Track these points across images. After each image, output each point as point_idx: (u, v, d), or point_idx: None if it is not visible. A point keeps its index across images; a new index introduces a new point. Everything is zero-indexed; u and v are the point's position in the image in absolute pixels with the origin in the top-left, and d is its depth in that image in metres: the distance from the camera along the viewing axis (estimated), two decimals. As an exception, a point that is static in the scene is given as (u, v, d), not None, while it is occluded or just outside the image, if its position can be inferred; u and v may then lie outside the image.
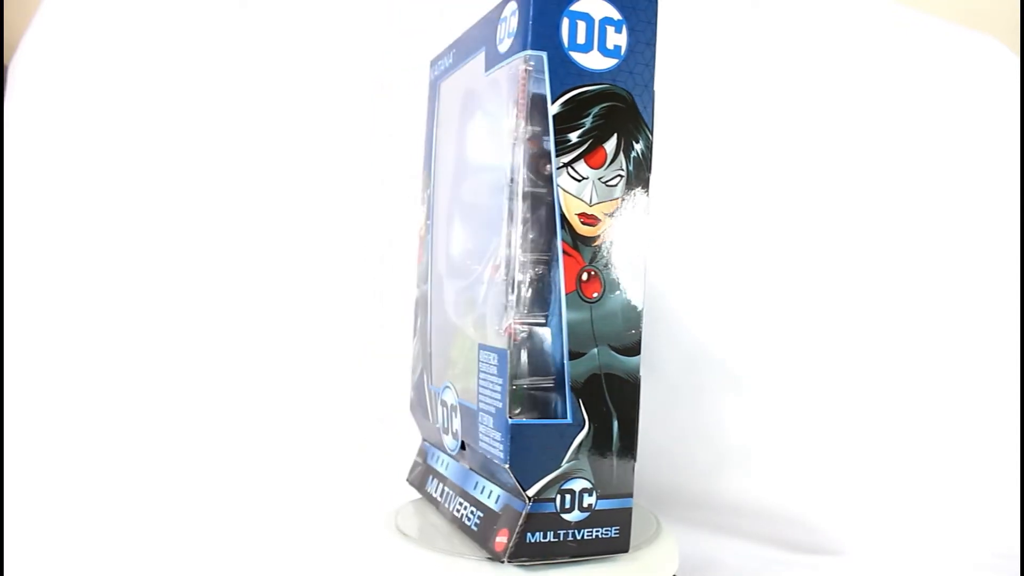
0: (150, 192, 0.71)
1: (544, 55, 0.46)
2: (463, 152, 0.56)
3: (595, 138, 0.47)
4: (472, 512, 0.51)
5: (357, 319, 0.72)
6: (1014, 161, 0.72)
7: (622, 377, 0.48)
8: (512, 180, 0.47)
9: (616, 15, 0.47)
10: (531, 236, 0.46)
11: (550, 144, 0.46)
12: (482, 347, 0.49)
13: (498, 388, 0.47)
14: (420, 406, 0.61)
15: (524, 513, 0.46)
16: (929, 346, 0.70)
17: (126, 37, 0.70)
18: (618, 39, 0.47)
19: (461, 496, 0.53)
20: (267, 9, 0.72)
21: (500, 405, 0.47)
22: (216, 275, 0.73)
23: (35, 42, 0.69)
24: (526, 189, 0.46)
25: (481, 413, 0.49)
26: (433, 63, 0.63)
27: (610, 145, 0.47)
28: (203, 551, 0.62)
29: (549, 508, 0.46)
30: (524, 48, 0.46)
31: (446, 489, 0.56)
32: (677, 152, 0.69)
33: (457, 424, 0.53)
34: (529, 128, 0.46)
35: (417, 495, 0.62)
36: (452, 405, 0.54)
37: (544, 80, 0.46)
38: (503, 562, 0.46)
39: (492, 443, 0.48)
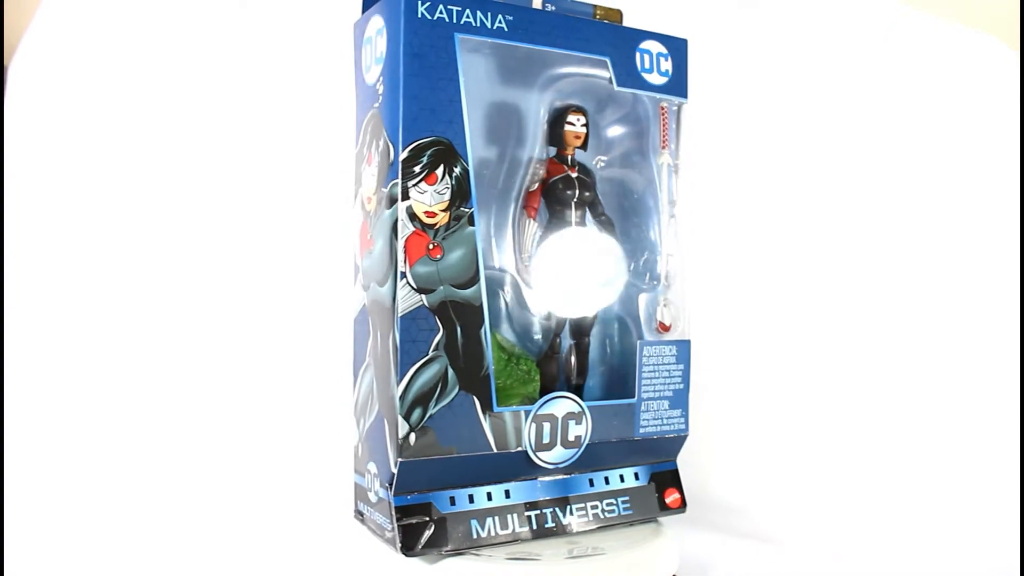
0: (150, 192, 0.69)
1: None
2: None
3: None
4: (611, 504, 0.54)
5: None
6: (1014, 161, 0.73)
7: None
8: (672, 201, 0.57)
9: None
10: (680, 247, 0.58)
11: (679, 174, 0.58)
12: (649, 343, 0.55)
13: (678, 374, 0.56)
14: (450, 443, 0.48)
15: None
16: (928, 345, 0.72)
17: (126, 37, 0.69)
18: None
19: (579, 503, 0.53)
20: (267, 9, 0.70)
21: (681, 387, 0.56)
22: (216, 274, 0.69)
23: (35, 42, 0.69)
24: (681, 207, 0.57)
25: (646, 403, 0.55)
26: (432, 4, 0.48)
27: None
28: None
29: (670, 460, 0.59)
30: (684, 96, 0.57)
31: (533, 516, 0.51)
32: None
33: (582, 429, 0.52)
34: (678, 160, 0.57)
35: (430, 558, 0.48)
36: (572, 412, 0.52)
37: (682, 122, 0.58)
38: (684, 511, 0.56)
39: (666, 422, 0.55)
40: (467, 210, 0.49)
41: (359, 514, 0.53)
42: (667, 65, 0.56)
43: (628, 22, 0.57)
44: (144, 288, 0.68)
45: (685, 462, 0.57)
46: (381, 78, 0.49)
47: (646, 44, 0.55)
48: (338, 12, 0.58)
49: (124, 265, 0.68)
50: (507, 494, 0.51)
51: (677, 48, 0.56)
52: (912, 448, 0.70)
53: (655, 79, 0.56)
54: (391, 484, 0.48)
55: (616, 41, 0.54)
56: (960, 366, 0.72)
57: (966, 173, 0.74)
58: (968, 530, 0.65)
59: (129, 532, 0.61)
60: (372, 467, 0.51)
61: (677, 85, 0.56)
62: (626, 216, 0.57)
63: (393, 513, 0.48)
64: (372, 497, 0.51)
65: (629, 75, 0.55)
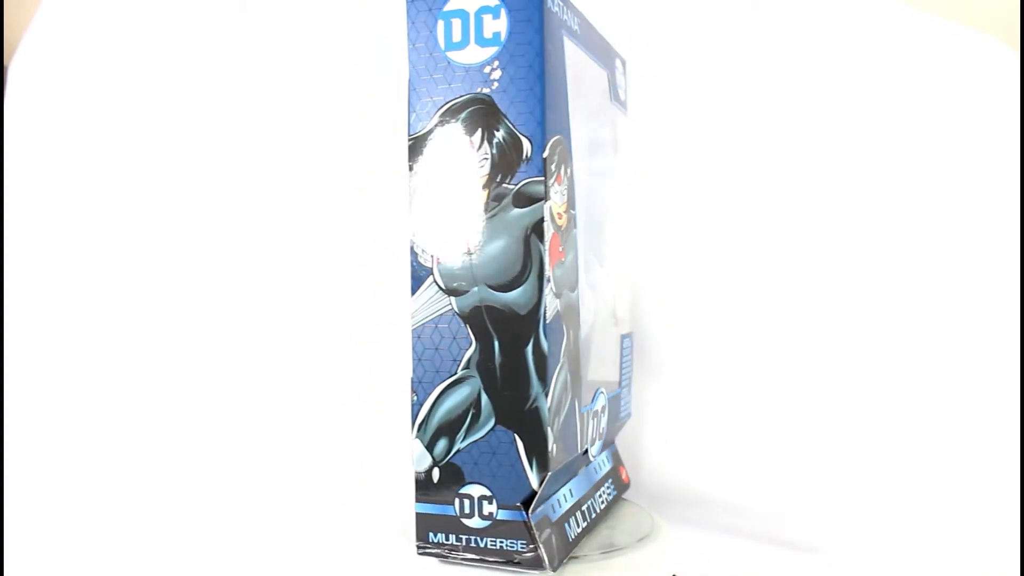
0: (149, 192, 0.69)
1: (616, 119, 0.64)
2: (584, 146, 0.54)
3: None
4: (608, 487, 0.58)
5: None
6: (1014, 161, 0.71)
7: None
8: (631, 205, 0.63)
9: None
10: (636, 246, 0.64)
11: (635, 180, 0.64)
12: (625, 337, 0.60)
13: (629, 363, 0.62)
14: (566, 450, 0.48)
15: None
16: (927, 344, 0.68)
17: (126, 37, 0.69)
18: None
19: (597, 490, 0.56)
20: (267, 11, 0.69)
21: (630, 374, 0.62)
22: (218, 275, 0.68)
23: (35, 42, 0.70)
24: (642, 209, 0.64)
25: (622, 391, 0.60)
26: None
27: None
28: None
29: (597, 444, 0.64)
30: (626, 110, 0.63)
31: (585, 509, 0.53)
32: (676, 152, 0.68)
33: (604, 420, 0.56)
34: (620, 170, 0.64)
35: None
36: (603, 406, 0.55)
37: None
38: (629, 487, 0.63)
39: (626, 408, 0.62)
40: (574, 212, 0.48)
41: (434, 546, 0.47)
42: (624, 82, 0.62)
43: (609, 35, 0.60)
44: (142, 286, 0.65)
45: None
46: (497, 63, 0.45)
47: (617, 65, 0.60)
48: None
49: (122, 263, 0.65)
50: (571, 492, 0.52)
51: (626, 66, 0.62)
52: (857, 442, 0.66)
53: (622, 94, 0.61)
54: (529, 503, 0.45)
55: (609, 55, 0.58)
56: (958, 365, 0.68)
57: (965, 173, 0.72)
58: (892, 518, 0.59)
59: (137, 544, 0.53)
60: (475, 490, 0.46)
61: (626, 101, 0.62)
62: (596, 218, 0.61)
63: (534, 532, 0.45)
64: (474, 523, 0.46)
65: (615, 94, 0.59)
